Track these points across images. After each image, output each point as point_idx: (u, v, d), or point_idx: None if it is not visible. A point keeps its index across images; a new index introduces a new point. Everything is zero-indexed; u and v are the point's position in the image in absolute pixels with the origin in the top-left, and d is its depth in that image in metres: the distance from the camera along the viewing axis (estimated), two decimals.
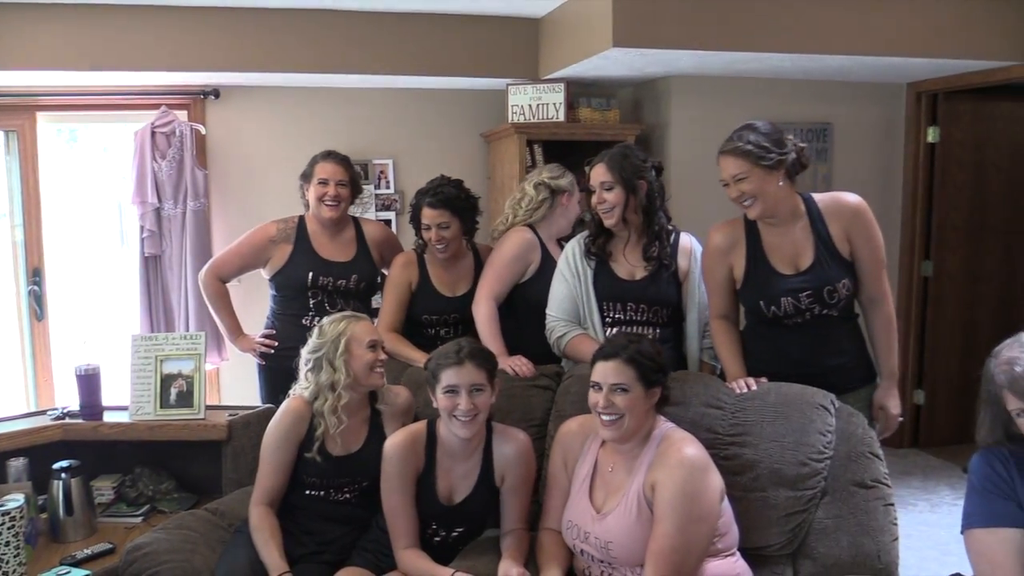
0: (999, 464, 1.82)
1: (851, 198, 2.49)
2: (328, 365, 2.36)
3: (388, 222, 4.64)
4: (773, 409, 2.28)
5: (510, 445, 2.29)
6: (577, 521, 2.14)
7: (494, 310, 2.88)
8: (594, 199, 2.67)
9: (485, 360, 2.25)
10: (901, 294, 5.00)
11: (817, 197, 2.51)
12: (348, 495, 2.40)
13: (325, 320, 2.45)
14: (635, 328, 2.69)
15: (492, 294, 2.89)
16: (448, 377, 2.19)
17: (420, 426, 2.33)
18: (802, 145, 2.47)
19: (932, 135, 4.87)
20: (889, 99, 4.91)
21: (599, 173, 2.65)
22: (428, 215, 2.95)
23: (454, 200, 2.96)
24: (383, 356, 2.42)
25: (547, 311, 2.76)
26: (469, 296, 2.98)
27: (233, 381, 4.40)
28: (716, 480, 2.06)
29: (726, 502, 2.11)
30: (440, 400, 2.22)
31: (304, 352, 2.44)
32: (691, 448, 2.05)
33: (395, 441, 2.28)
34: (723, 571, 2.07)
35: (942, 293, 4.98)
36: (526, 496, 2.31)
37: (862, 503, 2.19)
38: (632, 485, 2.07)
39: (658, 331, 2.70)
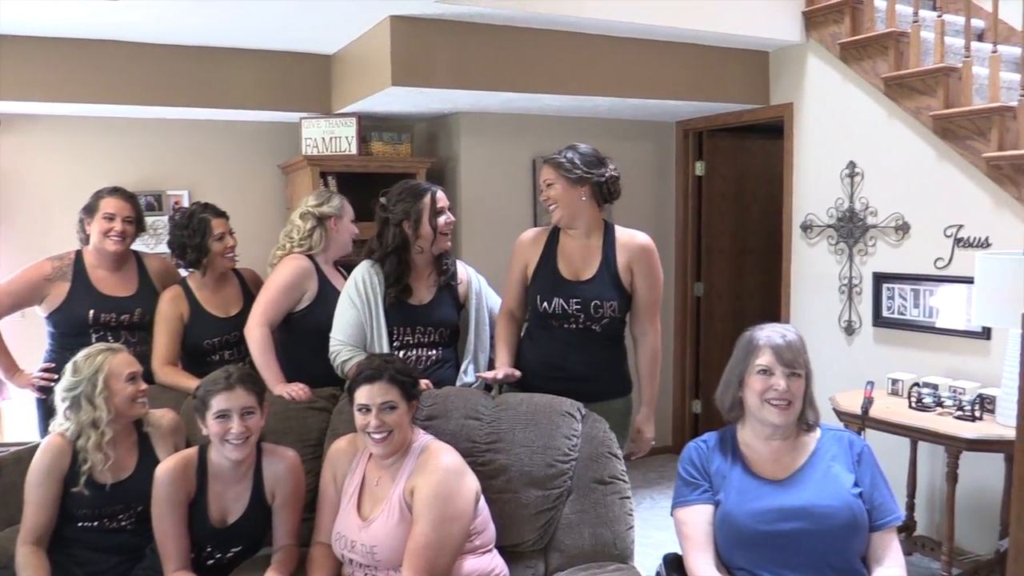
0: (696, 456, 2.21)
1: (642, 237, 2.80)
2: (87, 403, 2.36)
3: None
4: (525, 417, 2.52)
5: (279, 463, 2.40)
6: (344, 532, 2.28)
7: (267, 336, 2.92)
8: (442, 221, 2.83)
9: (254, 383, 2.35)
10: (678, 313, 5.48)
11: (617, 228, 2.81)
12: (124, 523, 2.42)
13: (80, 355, 2.44)
14: (422, 350, 2.86)
15: (265, 320, 2.93)
16: (219, 402, 2.27)
17: (192, 452, 2.39)
18: (614, 175, 2.79)
19: (699, 169, 5.40)
20: (661, 136, 5.40)
21: (444, 196, 2.87)
22: (221, 224, 3.10)
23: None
24: (143, 387, 2.46)
25: (332, 335, 2.83)
26: (244, 315, 3.06)
27: (17, 420, 4.23)
28: (471, 483, 2.26)
29: (483, 503, 2.31)
30: (211, 426, 2.28)
31: (59, 390, 2.42)
32: (447, 456, 2.26)
33: (166, 467, 2.33)
34: (480, 567, 2.26)
35: (712, 311, 5.50)
36: (296, 512, 2.42)
37: (601, 498, 2.45)
38: (395, 492, 2.24)
39: (441, 351, 2.90)
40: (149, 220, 4.52)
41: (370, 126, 4.71)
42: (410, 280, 2.85)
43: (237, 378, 2.31)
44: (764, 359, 2.11)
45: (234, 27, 3.97)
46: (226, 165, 4.79)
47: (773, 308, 4.80)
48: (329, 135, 4.49)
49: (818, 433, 2.18)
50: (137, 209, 3.20)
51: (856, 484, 2.09)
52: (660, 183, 5.43)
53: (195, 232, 3.06)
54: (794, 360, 2.10)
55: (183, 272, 3.25)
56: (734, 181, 5.51)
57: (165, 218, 4.63)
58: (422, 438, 2.34)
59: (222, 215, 3.15)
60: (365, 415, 2.24)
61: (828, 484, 2.07)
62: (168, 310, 3.06)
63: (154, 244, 4.59)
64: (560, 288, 2.74)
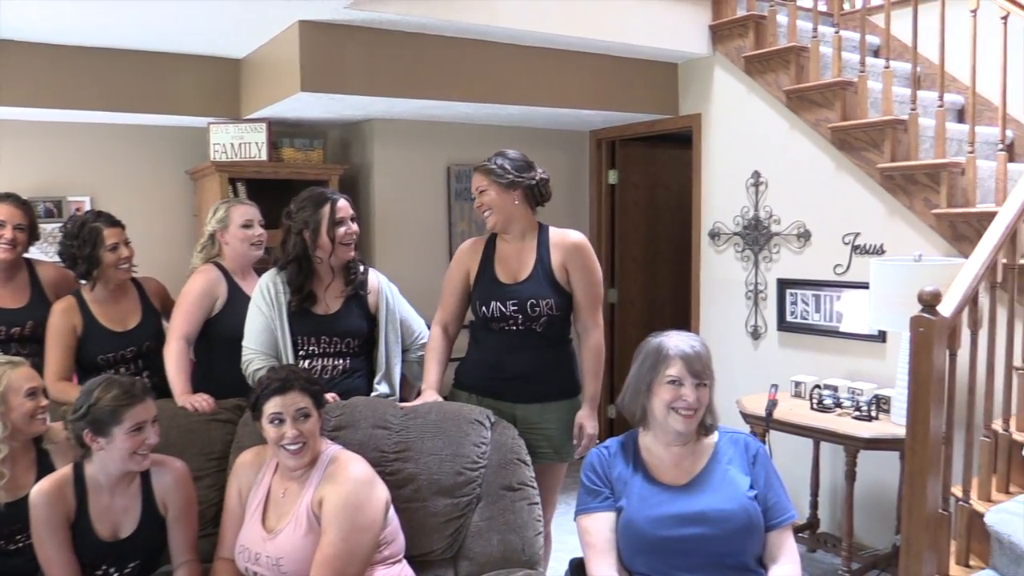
0: (598, 462, 2.23)
1: (574, 235, 2.85)
2: None
3: None
4: (434, 426, 2.52)
5: (167, 474, 2.33)
6: (249, 544, 2.23)
7: (183, 349, 2.90)
8: (343, 231, 2.77)
9: (151, 392, 2.30)
10: None
11: (551, 228, 2.87)
12: (22, 543, 2.31)
13: None
14: (328, 359, 2.83)
15: (182, 334, 2.91)
16: (134, 416, 2.20)
17: (66, 470, 2.29)
18: (544, 177, 2.86)
19: (612, 177, 5.48)
20: (575, 145, 5.47)
21: (346, 207, 2.81)
22: (114, 234, 2.97)
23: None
24: (44, 402, 2.37)
25: (244, 343, 2.80)
26: (142, 329, 3.01)
27: None
28: (381, 493, 2.25)
29: (392, 513, 2.30)
30: (123, 441, 2.19)
31: None
32: (357, 466, 2.25)
33: (40, 489, 2.22)
34: None
35: (626, 317, 5.58)
36: (191, 524, 2.35)
37: (510, 504, 2.47)
38: (302, 503, 2.20)
39: (348, 361, 2.86)
40: (47, 228, 4.37)
41: (281, 132, 4.63)
42: (315, 289, 2.82)
43: (142, 388, 2.26)
44: (674, 370, 2.14)
45: (140, 29, 3.85)
46: (131, 171, 4.64)
47: (684, 314, 4.90)
48: (238, 141, 4.40)
49: (716, 436, 2.24)
50: (30, 216, 3.08)
51: (752, 486, 2.15)
52: (574, 191, 5.50)
53: (85, 242, 2.92)
54: (703, 371, 2.14)
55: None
56: (646, 190, 5.61)
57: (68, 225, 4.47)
58: (330, 448, 2.31)
59: (117, 224, 3.01)
60: (279, 426, 2.20)
61: (725, 488, 2.13)
62: (60, 323, 2.93)
63: (52, 252, 4.41)
64: (496, 291, 2.77)
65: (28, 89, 4.03)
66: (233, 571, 2.28)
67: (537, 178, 2.83)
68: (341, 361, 2.85)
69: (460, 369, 2.93)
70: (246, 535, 2.26)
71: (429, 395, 2.74)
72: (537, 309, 2.74)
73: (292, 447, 2.20)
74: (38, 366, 2.82)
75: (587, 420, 2.87)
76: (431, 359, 2.86)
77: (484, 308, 2.78)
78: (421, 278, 3.91)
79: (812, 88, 4.00)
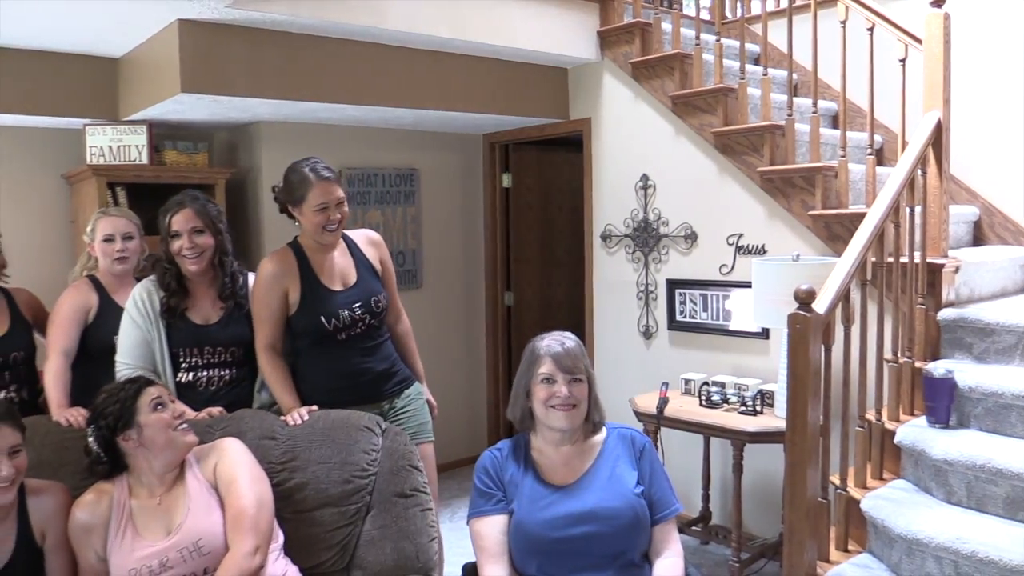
0: (490, 465, 2.24)
1: (375, 233, 3.01)
2: None
3: None
4: (321, 434, 2.47)
5: (48, 500, 2.20)
6: (146, 560, 2.09)
7: (62, 364, 2.82)
8: (180, 244, 2.69)
9: (18, 419, 2.15)
10: (488, 322, 5.56)
11: (347, 232, 2.89)
12: None
13: None
14: (213, 370, 2.77)
15: (61, 349, 2.85)
16: None
17: None
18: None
19: (506, 180, 5.51)
20: (468, 148, 5.47)
21: (188, 218, 2.70)
22: None
23: None
24: None
25: (118, 359, 2.71)
26: (8, 339, 2.91)
27: None
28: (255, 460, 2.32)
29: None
30: None
31: None
32: (224, 439, 2.33)
33: None
34: (277, 571, 2.20)
35: (522, 320, 5.61)
36: (70, 553, 2.19)
37: (403, 511, 2.44)
38: (192, 488, 2.19)
39: (235, 371, 2.81)
40: None
41: (164, 134, 4.47)
42: (190, 299, 2.76)
43: (1, 414, 2.10)
44: (545, 367, 2.18)
45: (11, 25, 3.64)
46: (3, 174, 4.38)
47: (579, 315, 4.97)
48: (117, 143, 4.21)
49: (604, 434, 2.28)
50: None
51: (639, 481, 2.19)
52: (468, 194, 5.50)
53: None
54: (573, 366, 2.18)
55: None
56: (540, 193, 5.67)
57: None
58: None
59: None
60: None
61: (613, 485, 2.16)
62: None
63: None
64: (340, 300, 2.74)
65: None
66: None
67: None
68: (227, 371, 2.80)
69: (307, 392, 2.71)
70: (134, 558, 2.10)
71: (304, 414, 2.58)
72: (379, 303, 2.81)
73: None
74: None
75: (429, 395, 3.02)
76: (277, 382, 2.68)
77: (335, 319, 2.71)
78: None
79: (696, 94, 4.11)
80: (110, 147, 4.21)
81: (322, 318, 2.70)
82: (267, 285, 2.71)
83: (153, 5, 3.36)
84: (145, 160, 4.23)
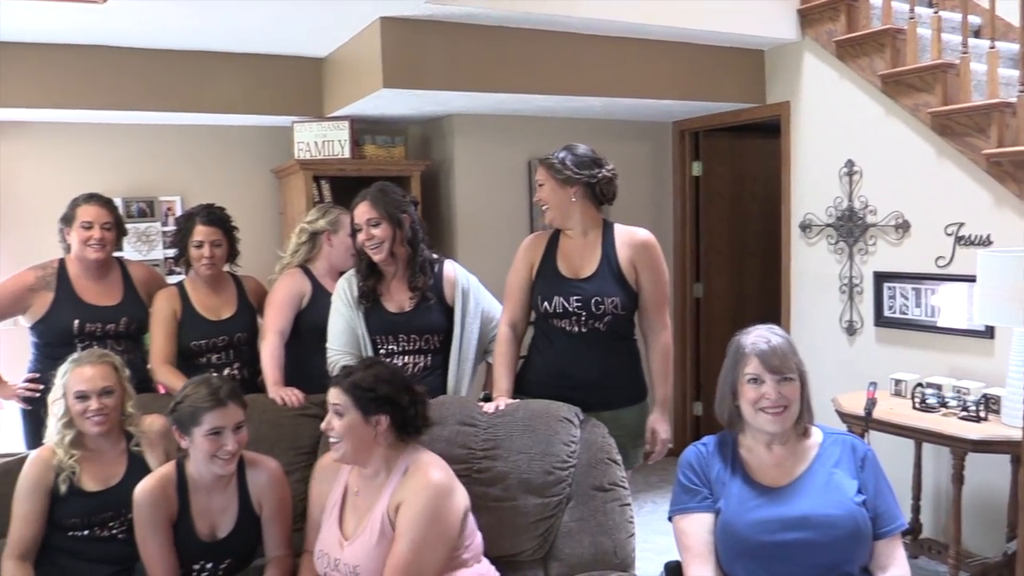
0: (696, 460, 2.14)
1: (643, 233, 2.75)
2: (58, 405, 2.39)
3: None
4: (522, 423, 2.47)
5: (263, 474, 2.35)
6: (327, 550, 2.19)
7: (278, 343, 2.99)
8: (361, 236, 2.78)
9: (241, 397, 2.29)
10: (677, 314, 5.42)
11: (616, 225, 2.78)
12: (115, 531, 2.37)
13: (66, 362, 2.44)
14: (408, 357, 2.84)
15: (277, 329, 3.02)
16: (213, 419, 2.19)
17: (169, 468, 2.31)
18: (608, 176, 2.72)
19: (696, 169, 5.35)
20: (657, 136, 5.35)
21: (363, 211, 2.78)
22: (202, 232, 3.05)
23: (226, 221, 3.15)
24: (96, 405, 2.36)
25: (328, 345, 2.84)
26: (235, 321, 3.12)
27: (9, 431, 4.16)
28: (459, 502, 2.16)
29: (471, 518, 2.22)
30: (201, 443, 2.20)
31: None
32: (437, 472, 2.15)
33: (144, 488, 2.25)
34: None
35: (712, 312, 5.45)
36: (284, 522, 2.36)
37: (601, 505, 2.41)
38: (377, 508, 2.13)
39: (429, 358, 2.86)
40: (141, 227, 4.52)
41: (363, 129, 4.66)
42: (383, 288, 2.84)
43: (227, 393, 2.24)
44: (752, 367, 2.05)
45: (223, 31, 3.92)
46: (218, 171, 4.73)
47: (773, 309, 4.75)
48: (322, 139, 4.44)
49: (820, 438, 2.13)
50: (115, 215, 3.15)
51: (860, 491, 2.03)
52: (657, 184, 5.38)
53: (180, 232, 3.10)
54: (782, 364, 2.03)
55: (172, 279, 3.23)
56: (732, 181, 5.46)
57: (158, 224, 4.59)
58: (413, 455, 2.21)
59: (213, 223, 3.08)
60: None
61: (830, 492, 2.01)
62: (162, 308, 3.07)
63: (147, 251, 4.55)
64: (559, 286, 2.70)
65: (121, 93, 4.14)
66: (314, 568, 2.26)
67: (600, 176, 2.70)
68: (422, 358, 2.86)
69: (523, 376, 2.80)
70: (324, 539, 2.22)
71: (500, 404, 2.61)
72: (602, 307, 2.66)
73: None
74: (132, 362, 2.88)
75: (659, 425, 2.77)
76: (500, 364, 2.77)
77: (546, 303, 2.70)
78: (502, 274, 3.83)
79: (910, 72, 3.80)
80: (315, 142, 4.44)
81: (540, 297, 2.72)
82: (519, 255, 2.83)
83: (359, 5, 3.51)
84: (347, 154, 4.43)
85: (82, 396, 2.35)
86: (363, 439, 2.16)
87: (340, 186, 4.37)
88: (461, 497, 2.18)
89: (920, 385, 3.51)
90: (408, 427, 2.21)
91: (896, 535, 2.03)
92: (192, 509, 2.28)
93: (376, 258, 2.78)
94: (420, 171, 4.59)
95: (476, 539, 2.25)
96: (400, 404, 2.19)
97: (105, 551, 2.36)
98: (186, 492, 2.28)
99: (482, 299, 2.97)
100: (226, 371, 3.03)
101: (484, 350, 2.96)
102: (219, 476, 2.26)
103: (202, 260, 3.05)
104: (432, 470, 2.15)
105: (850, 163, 4.18)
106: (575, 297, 2.67)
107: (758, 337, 2.09)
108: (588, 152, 2.74)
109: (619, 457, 2.52)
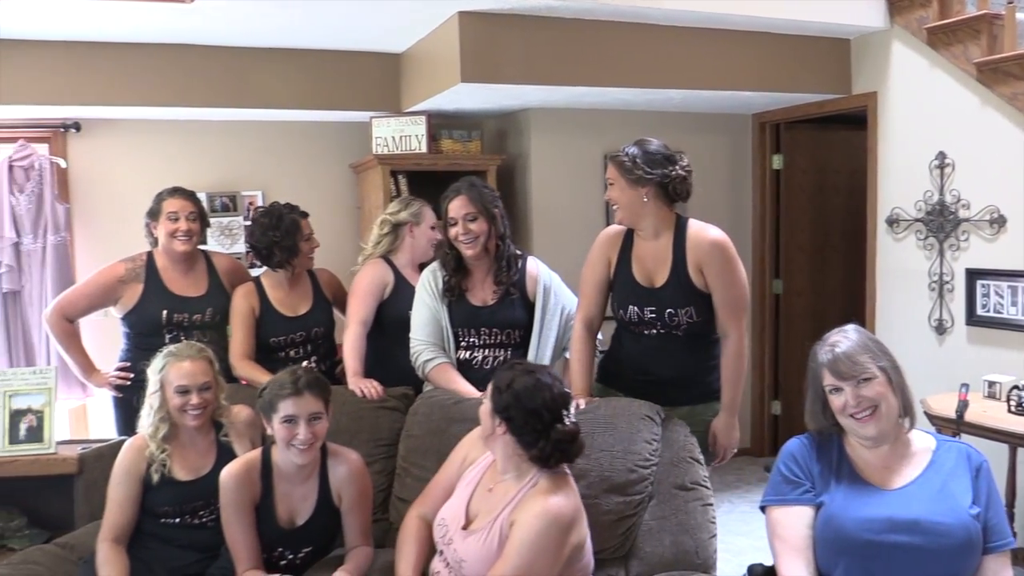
0: (799, 453, 2.07)
1: (713, 232, 2.55)
2: (154, 397, 2.44)
3: None
4: (603, 421, 2.43)
5: (343, 466, 2.36)
6: (448, 523, 2.15)
7: (360, 333, 3.03)
8: (455, 231, 2.77)
9: (322, 389, 2.30)
10: (755, 311, 5.31)
11: (690, 223, 2.60)
12: (205, 519, 2.43)
13: (160, 354, 2.49)
14: (488, 350, 2.84)
15: (360, 319, 3.05)
16: (287, 407, 2.23)
17: (255, 454, 2.37)
18: (681, 174, 2.55)
19: (776, 162, 5.22)
20: (736, 128, 5.24)
21: (460, 205, 2.77)
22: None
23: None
24: (196, 400, 2.42)
25: (412, 335, 2.86)
26: (311, 316, 3.18)
27: (102, 418, 4.32)
28: (576, 537, 2.03)
29: (588, 544, 2.10)
30: (278, 430, 2.25)
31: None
32: (559, 500, 2.00)
33: (230, 471, 2.31)
34: None
35: (792, 309, 5.31)
36: (364, 514, 2.38)
37: (683, 504, 2.36)
38: (500, 515, 2.06)
39: (509, 352, 2.86)
40: (224, 221, 4.63)
41: (440, 124, 4.68)
42: (469, 281, 2.83)
43: (305, 383, 2.26)
44: (828, 379, 1.98)
45: (304, 29, 3.98)
46: (298, 165, 4.82)
47: (856, 306, 4.61)
48: (399, 134, 4.47)
49: (933, 444, 2.03)
50: (199, 206, 3.25)
51: (974, 502, 1.93)
52: (736, 177, 5.27)
53: (287, 233, 3.11)
54: (853, 368, 1.95)
55: (253, 272, 3.30)
56: (814, 174, 5.32)
57: (240, 219, 4.70)
58: (543, 470, 2.07)
59: (306, 215, 3.22)
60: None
61: (944, 500, 1.91)
62: (241, 305, 3.13)
63: (230, 244, 4.65)
64: (634, 295, 2.61)
65: (205, 90, 4.25)
66: (425, 531, 2.22)
67: (673, 174, 2.54)
68: (502, 352, 2.85)
69: (606, 367, 2.78)
70: (449, 510, 2.17)
71: (580, 404, 2.51)
72: (676, 319, 2.56)
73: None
74: (217, 352, 2.96)
75: (723, 431, 2.65)
76: (577, 363, 2.70)
77: (622, 311, 2.64)
78: (577, 269, 3.83)
79: (1009, 59, 3.63)
80: (393, 137, 4.48)
81: (617, 304, 2.67)
82: (596, 250, 2.72)
83: (437, 0, 3.51)
84: (424, 149, 4.46)
85: (183, 391, 2.41)
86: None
87: (417, 180, 4.40)
88: (579, 532, 2.05)
89: (1016, 387, 3.35)
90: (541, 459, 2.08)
91: (1005, 551, 1.92)
92: (275, 495, 2.32)
93: (469, 252, 2.77)
94: (496, 165, 4.59)
95: (589, 567, 2.14)
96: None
97: (195, 538, 2.43)
98: (270, 478, 2.32)
99: (563, 297, 2.94)
100: (303, 364, 3.08)
101: (562, 347, 2.94)
102: (299, 465, 2.29)
103: (312, 252, 3.18)
104: (553, 497, 2.00)
105: (941, 155, 4.02)
106: (649, 308, 2.58)
107: (828, 346, 2.01)
108: (661, 148, 2.58)
109: (701, 456, 2.47)
